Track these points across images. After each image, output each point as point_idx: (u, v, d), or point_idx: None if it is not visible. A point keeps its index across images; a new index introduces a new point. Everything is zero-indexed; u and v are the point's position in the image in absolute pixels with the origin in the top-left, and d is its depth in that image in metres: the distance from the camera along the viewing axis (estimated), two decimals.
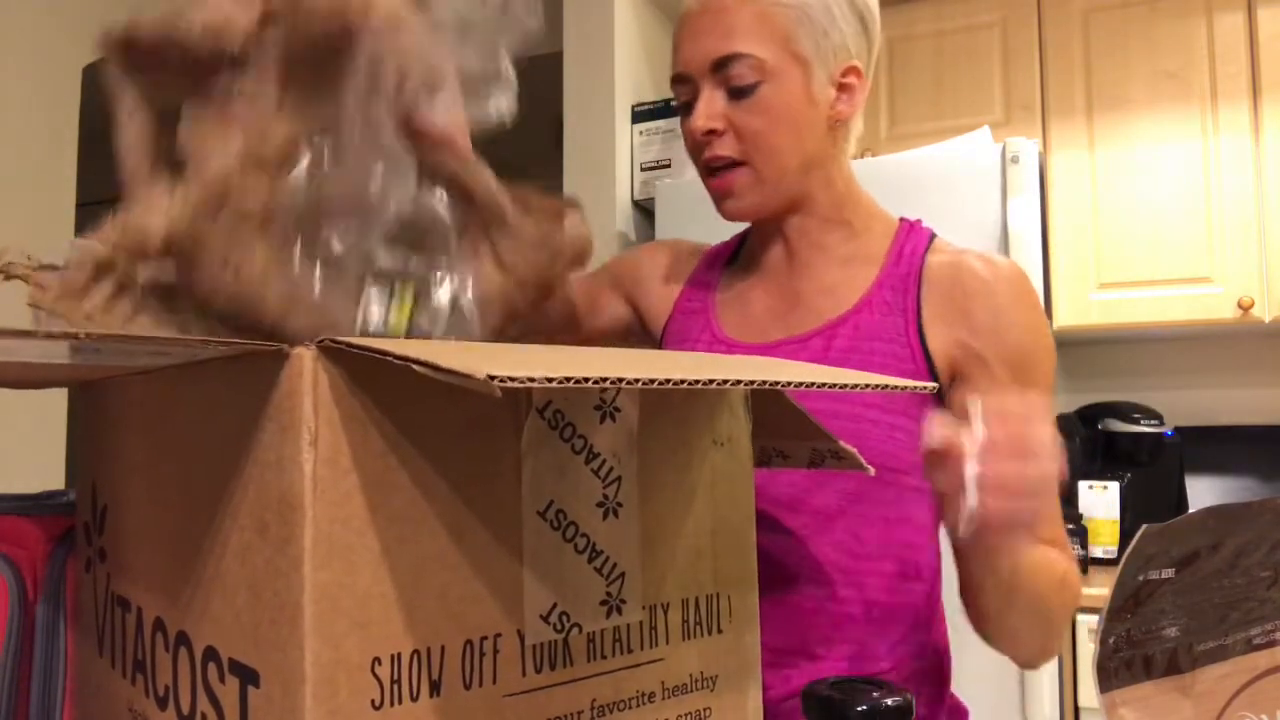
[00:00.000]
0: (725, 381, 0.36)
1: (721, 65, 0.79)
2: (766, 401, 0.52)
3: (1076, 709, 1.83)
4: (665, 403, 0.46)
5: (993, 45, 2.31)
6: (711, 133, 0.80)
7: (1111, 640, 0.50)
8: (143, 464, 0.47)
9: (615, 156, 2.20)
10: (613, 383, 0.32)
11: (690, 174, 2.22)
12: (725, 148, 0.81)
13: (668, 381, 0.34)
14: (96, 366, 0.42)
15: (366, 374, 0.36)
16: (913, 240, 0.85)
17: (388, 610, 0.35)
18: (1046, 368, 0.81)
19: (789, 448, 0.58)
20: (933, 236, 0.87)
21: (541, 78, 3.03)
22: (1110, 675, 0.50)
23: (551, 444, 0.41)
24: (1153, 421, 2.19)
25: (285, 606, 0.34)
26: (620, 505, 0.43)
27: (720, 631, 0.47)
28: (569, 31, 2.24)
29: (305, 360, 0.35)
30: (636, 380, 0.33)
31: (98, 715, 0.52)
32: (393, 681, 0.35)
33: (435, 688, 0.36)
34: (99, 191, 3.93)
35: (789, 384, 0.38)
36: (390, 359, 0.32)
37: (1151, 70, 2.17)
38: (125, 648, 0.47)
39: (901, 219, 0.89)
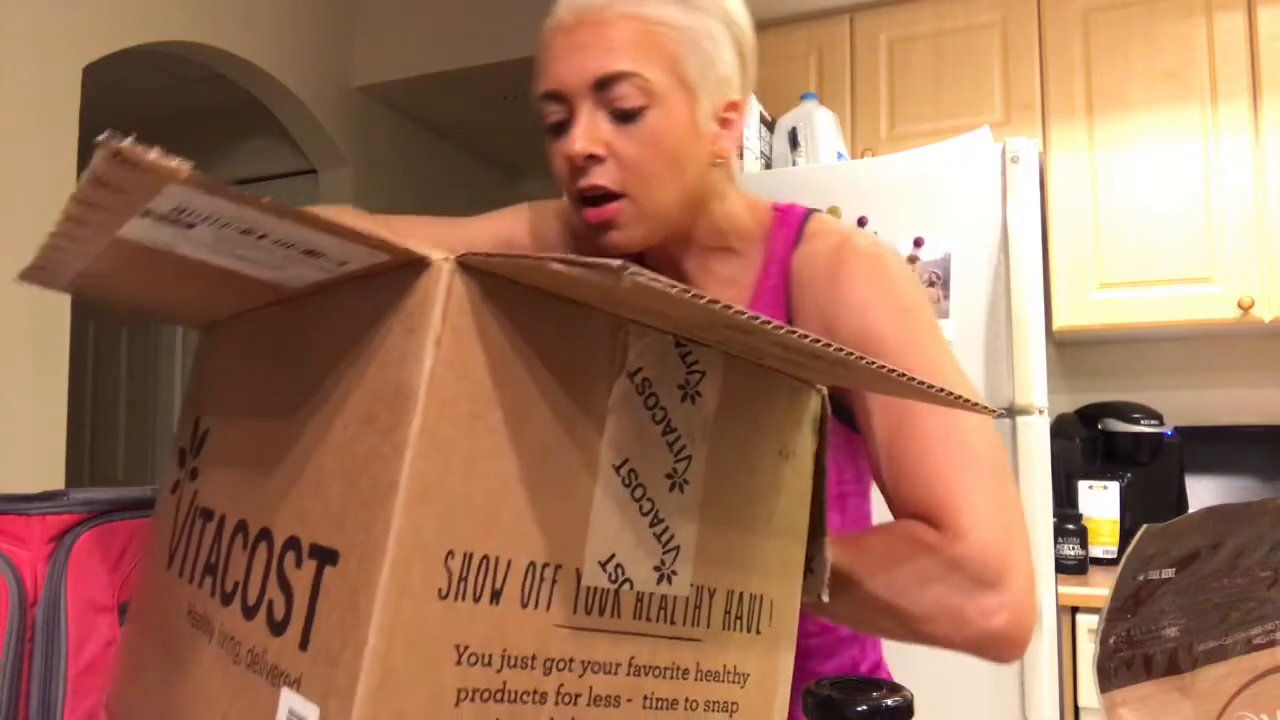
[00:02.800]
0: (848, 353, 0.37)
1: (604, 85, 0.72)
2: None
3: (1076, 709, 1.83)
4: (742, 403, 0.47)
5: (993, 45, 2.31)
6: (592, 158, 0.73)
7: (1111, 640, 0.50)
8: (254, 386, 0.49)
9: None
10: (735, 312, 0.34)
11: None
12: (604, 177, 0.73)
13: (806, 336, 0.36)
14: (230, 281, 0.43)
15: (498, 296, 0.38)
16: (781, 241, 0.81)
17: (470, 512, 0.37)
18: (892, 333, 0.72)
19: None
20: (803, 225, 0.81)
21: None
22: (1110, 675, 0.50)
23: (635, 407, 0.43)
24: (1153, 421, 2.19)
25: (379, 487, 0.36)
26: (687, 482, 0.45)
27: (758, 632, 0.49)
28: None
29: (443, 270, 0.37)
30: (768, 323, 0.34)
31: (155, 622, 0.53)
32: (460, 578, 0.37)
33: (496, 596, 0.38)
34: None
35: (890, 371, 0.39)
36: (527, 260, 0.35)
37: (1151, 70, 2.17)
38: (199, 555, 0.49)
39: (774, 210, 0.84)
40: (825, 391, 0.53)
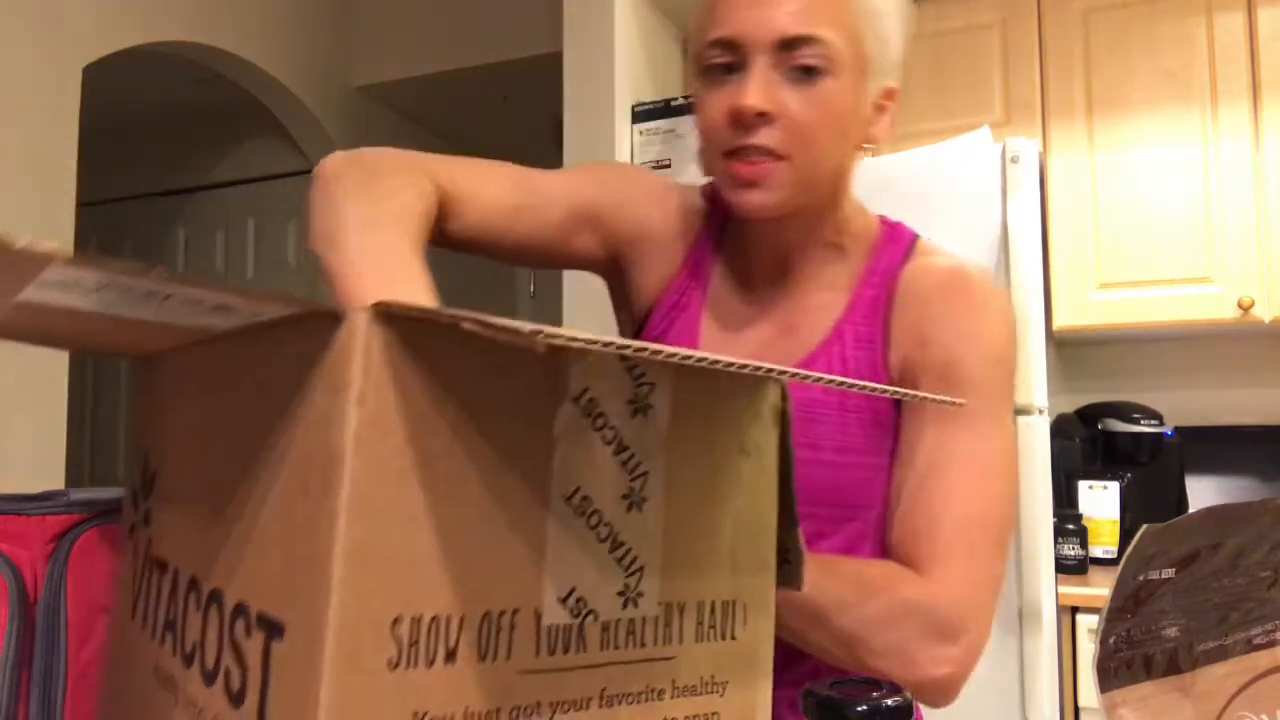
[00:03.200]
0: (769, 370, 0.36)
1: (791, 45, 0.70)
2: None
3: (1076, 709, 1.83)
4: (696, 406, 0.46)
5: (993, 45, 2.31)
6: (762, 116, 0.70)
7: (1111, 640, 0.50)
8: (195, 429, 0.48)
9: (615, 156, 2.20)
10: (651, 354, 0.33)
11: (690, 174, 2.21)
12: (770, 138, 0.71)
13: (707, 360, 0.34)
14: (154, 326, 0.42)
15: (420, 343, 0.36)
16: (890, 254, 0.81)
17: (413, 573, 0.36)
18: (979, 376, 0.73)
19: None
20: (913, 243, 0.82)
21: (541, 78, 3.03)
22: (1110, 675, 0.50)
23: (583, 432, 0.41)
24: (1153, 421, 2.19)
25: (317, 559, 0.35)
26: (644, 500, 0.43)
27: (734, 638, 0.47)
28: (569, 31, 2.24)
29: (360, 323, 0.35)
30: (674, 355, 0.33)
31: (125, 677, 0.52)
32: (411, 643, 0.36)
33: (451, 655, 0.37)
34: (99, 192, 3.93)
35: (824, 380, 0.39)
36: (441, 318, 0.33)
37: (1151, 70, 2.17)
38: (158, 609, 0.48)
39: (882, 222, 0.84)
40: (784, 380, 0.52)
